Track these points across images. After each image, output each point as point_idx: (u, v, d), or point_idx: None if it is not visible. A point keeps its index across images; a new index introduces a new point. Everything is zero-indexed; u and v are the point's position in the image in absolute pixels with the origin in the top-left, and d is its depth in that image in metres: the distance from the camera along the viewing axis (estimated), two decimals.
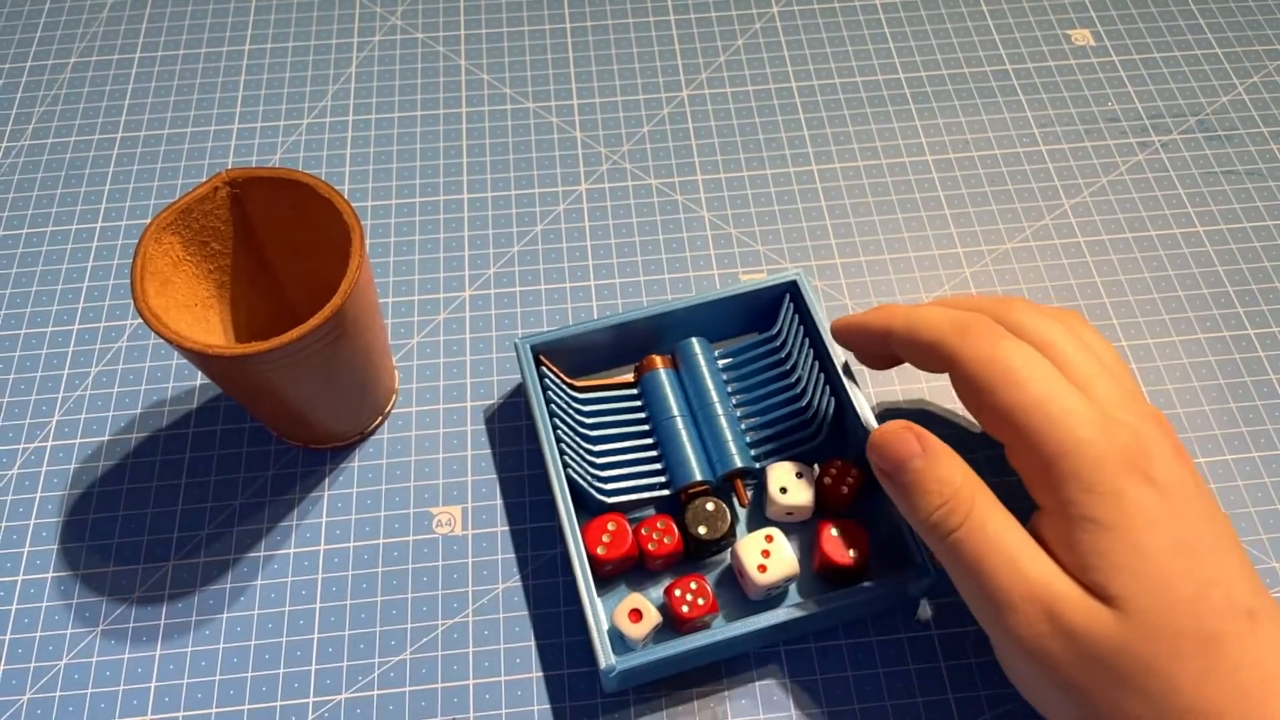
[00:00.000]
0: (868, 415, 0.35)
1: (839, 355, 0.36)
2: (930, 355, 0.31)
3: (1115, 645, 0.27)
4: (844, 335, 0.35)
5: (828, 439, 0.36)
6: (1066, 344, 0.31)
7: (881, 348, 0.34)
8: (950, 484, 0.29)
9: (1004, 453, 0.30)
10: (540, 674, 0.34)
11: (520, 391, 0.40)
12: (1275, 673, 0.26)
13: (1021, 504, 0.30)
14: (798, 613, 0.32)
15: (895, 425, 0.31)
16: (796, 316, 0.38)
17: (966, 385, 0.30)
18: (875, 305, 0.37)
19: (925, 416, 0.39)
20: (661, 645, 0.31)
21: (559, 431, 0.35)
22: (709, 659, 0.33)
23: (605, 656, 0.31)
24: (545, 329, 0.40)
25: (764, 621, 0.32)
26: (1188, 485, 0.29)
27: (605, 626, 0.32)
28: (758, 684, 0.34)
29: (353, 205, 0.44)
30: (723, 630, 0.32)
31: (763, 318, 0.39)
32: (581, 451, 0.36)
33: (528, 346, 0.37)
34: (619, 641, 0.33)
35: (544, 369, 0.37)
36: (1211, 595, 0.27)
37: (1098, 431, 0.28)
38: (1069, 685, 0.27)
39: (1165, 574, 0.27)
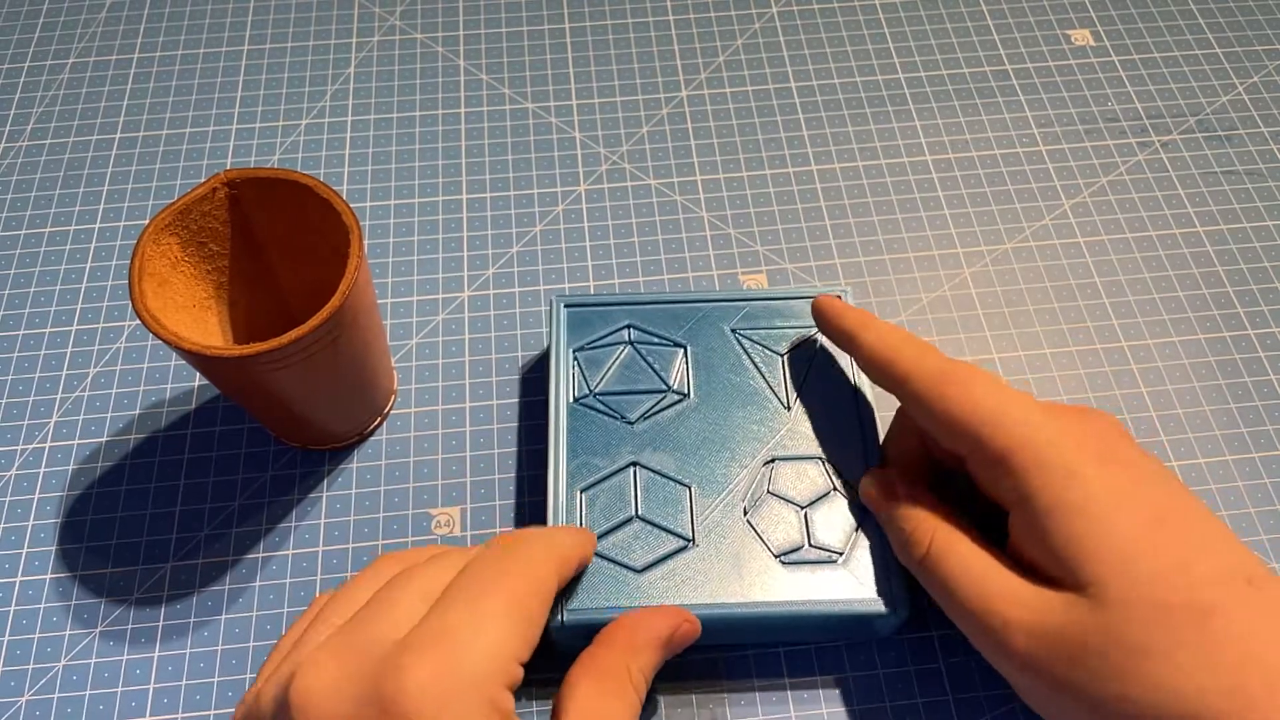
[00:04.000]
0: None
1: (867, 404, 0.36)
2: (888, 373, 0.33)
3: (1102, 637, 0.25)
4: (818, 311, 0.36)
5: None
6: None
7: (842, 341, 0.35)
8: (911, 519, 0.31)
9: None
10: (538, 675, 0.34)
11: (518, 393, 0.40)
12: None
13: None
14: (764, 609, 0.32)
15: (873, 471, 0.33)
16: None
17: (919, 404, 0.31)
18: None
19: None
20: (612, 608, 0.32)
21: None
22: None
23: (554, 610, 0.31)
24: (579, 293, 0.40)
25: (726, 609, 0.32)
26: (1150, 467, 0.28)
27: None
28: (757, 684, 0.34)
29: (351, 206, 0.44)
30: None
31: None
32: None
33: (562, 305, 0.38)
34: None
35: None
36: (1197, 566, 0.26)
37: (1048, 421, 0.29)
38: (1069, 690, 0.26)
39: (1140, 549, 0.26)
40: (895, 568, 0.32)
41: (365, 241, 0.43)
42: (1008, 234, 0.44)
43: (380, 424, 0.39)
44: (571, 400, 0.36)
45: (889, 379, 0.33)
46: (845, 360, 0.37)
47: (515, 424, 0.39)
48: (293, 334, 0.30)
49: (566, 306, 0.38)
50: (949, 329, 0.41)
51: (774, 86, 0.48)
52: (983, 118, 0.47)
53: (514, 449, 0.38)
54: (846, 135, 0.47)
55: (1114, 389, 0.40)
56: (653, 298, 0.38)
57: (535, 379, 0.40)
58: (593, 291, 0.42)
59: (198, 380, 0.40)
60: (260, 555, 0.36)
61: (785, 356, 0.37)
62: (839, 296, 0.38)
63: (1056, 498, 0.27)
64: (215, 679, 0.34)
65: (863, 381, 0.36)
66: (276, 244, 0.35)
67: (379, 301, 0.42)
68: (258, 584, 0.36)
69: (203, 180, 0.39)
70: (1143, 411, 0.39)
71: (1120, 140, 0.46)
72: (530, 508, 0.37)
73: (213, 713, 0.33)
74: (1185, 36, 0.50)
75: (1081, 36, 0.50)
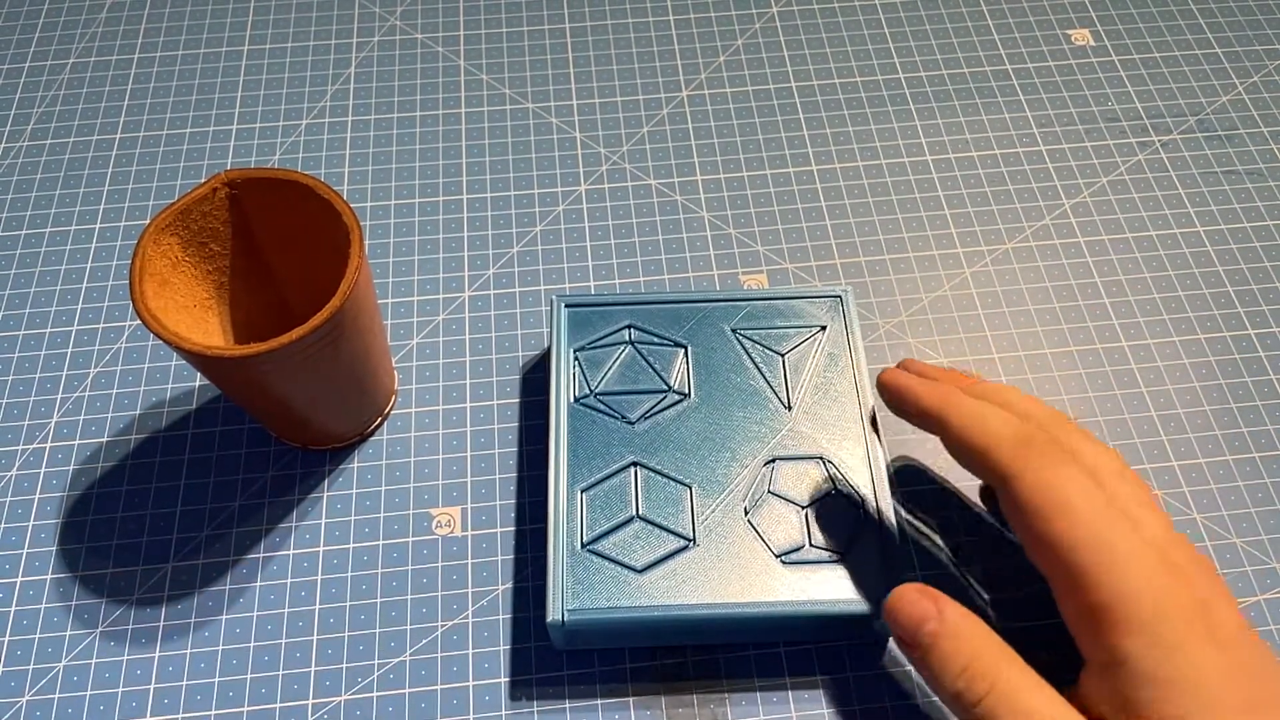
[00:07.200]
0: (882, 471, 0.35)
1: (867, 404, 0.36)
2: (981, 464, 0.29)
3: None
4: (889, 394, 0.33)
5: None
6: (1115, 475, 0.29)
7: (924, 424, 0.32)
8: (969, 646, 0.27)
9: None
10: (539, 675, 0.34)
11: (518, 393, 0.40)
12: None
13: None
14: (765, 609, 0.32)
15: (909, 588, 0.29)
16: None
17: (1016, 508, 0.28)
18: (936, 367, 0.35)
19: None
20: (612, 607, 0.32)
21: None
22: (670, 633, 0.33)
23: (554, 610, 0.32)
24: (579, 293, 0.40)
25: (727, 609, 0.32)
26: (1248, 638, 0.27)
27: (564, 579, 0.32)
28: (758, 683, 0.34)
29: (351, 206, 0.44)
30: (680, 607, 0.32)
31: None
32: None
33: (562, 304, 0.38)
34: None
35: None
36: None
37: (1159, 579, 0.26)
38: None
39: None
40: (896, 568, 0.32)
41: (366, 241, 0.43)
42: (1008, 234, 0.44)
43: (381, 424, 0.39)
44: (572, 400, 0.36)
45: (982, 472, 0.29)
46: (846, 359, 0.37)
47: (516, 424, 0.39)
48: (293, 334, 0.30)
49: (567, 306, 0.38)
50: (949, 329, 0.41)
51: (774, 86, 0.48)
52: (983, 118, 0.47)
53: (514, 449, 0.38)
54: (846, 135, 0.47)
55: (1114, 389, 0.40)
56: (653, 297, 0.38)
57: (536, 379, 0.40)
58: (593, 291, 0.42)
59: (198, 380, 0.40)
60: (261, 555, 0.36)
61: (786, 356, 0.37)
62: (833, 303, 0.38)
63: (1154, 668, 0.25)
64: (216, 679, 0.34)
65: (863, 381, 0.36)
66: (277, 244, 0.35)
67: (379, 301, 0.42)
68: (258, 584, 0.36)
69: (203, 180, 0.38)
70: (1143, 411, 0.39)
71: (1120, 140, 0.46)
72: (530, 508, 0.37)
73: (213, 713, 0.33)
74: (1185, 36, 0.50)
75: (1081, 36, 0.50)
